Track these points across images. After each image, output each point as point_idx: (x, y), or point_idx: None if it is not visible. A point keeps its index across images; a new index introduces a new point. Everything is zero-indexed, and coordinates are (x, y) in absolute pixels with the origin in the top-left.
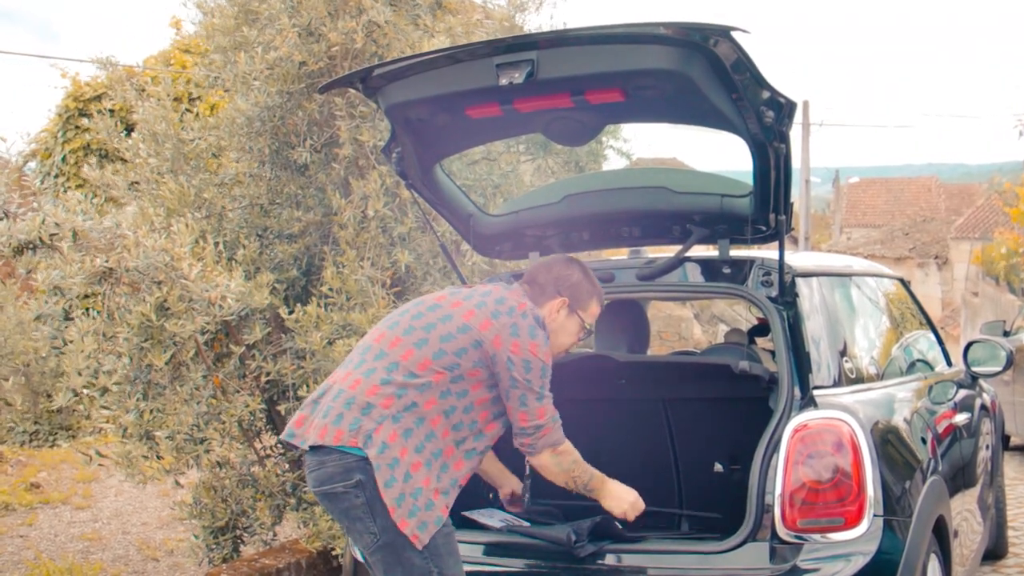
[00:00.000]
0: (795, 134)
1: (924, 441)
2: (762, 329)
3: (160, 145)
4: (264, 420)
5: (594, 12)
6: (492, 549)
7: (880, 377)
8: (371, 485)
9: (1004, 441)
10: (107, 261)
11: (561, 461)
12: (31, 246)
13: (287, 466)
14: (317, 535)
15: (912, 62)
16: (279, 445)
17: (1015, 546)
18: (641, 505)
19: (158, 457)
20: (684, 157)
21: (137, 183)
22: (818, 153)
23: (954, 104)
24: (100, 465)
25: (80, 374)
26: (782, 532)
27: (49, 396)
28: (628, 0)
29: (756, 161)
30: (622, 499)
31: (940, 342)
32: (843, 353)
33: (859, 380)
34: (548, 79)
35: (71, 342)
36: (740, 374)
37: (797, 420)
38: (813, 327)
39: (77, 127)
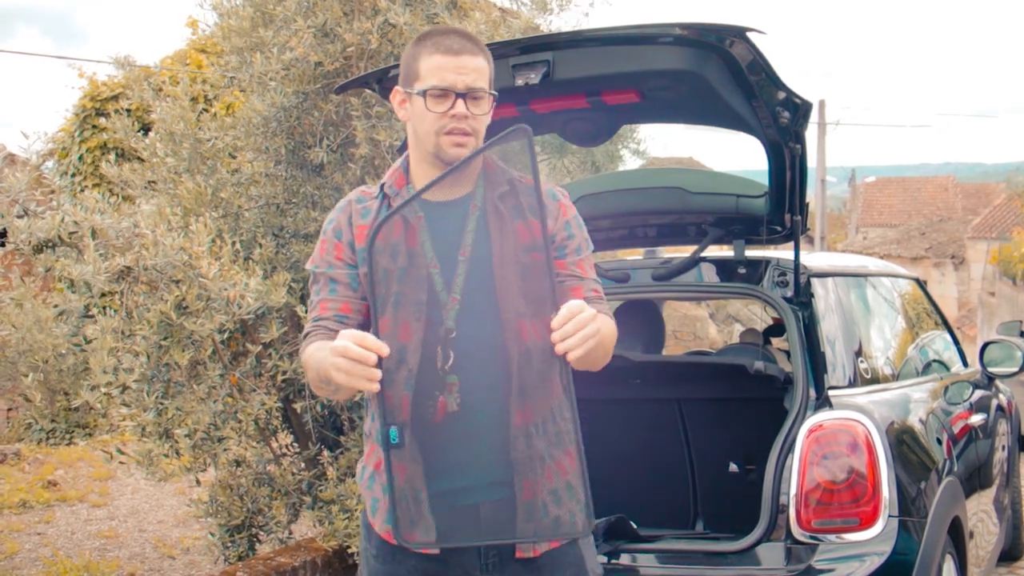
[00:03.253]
0: (811, 134)
1: (940, 442)
2: (777, 329)
3: (178, 145)
4: (280, 419)
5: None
6: None
7: (896, 377)
8: None
9: (1020, 442)
10: (125, 260)
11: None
12: (50, 244)
13: (302, 465)
14: (332, 534)
15: (929, 61)
16: (295, 444)
17: None
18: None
19: (177, 455)
20: (700, 157)
21: (154, 182)
22: (834, 152)
23: (971, 103)
24: (121, 463)
25: (106, 372)
26: (797, 532)
27: (66, 394)
28: (645, 1)
29: (771, 161)
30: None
31: (956, 342)
32: (858, 353)
33: (874, 380)
34: (564, 80)
35: (93, 340)
36: (755, 374)
37: (812, 420)
38: (828, 327)
39: (94, 127)
